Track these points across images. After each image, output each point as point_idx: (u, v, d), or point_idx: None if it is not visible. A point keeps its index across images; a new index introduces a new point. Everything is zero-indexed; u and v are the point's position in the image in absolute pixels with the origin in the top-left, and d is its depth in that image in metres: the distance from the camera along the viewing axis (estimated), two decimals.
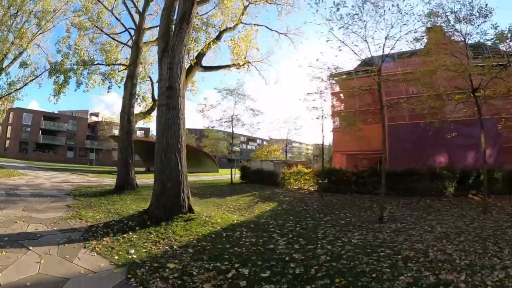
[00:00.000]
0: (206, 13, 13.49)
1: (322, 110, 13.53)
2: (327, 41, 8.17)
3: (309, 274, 3.70)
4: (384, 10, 7.57)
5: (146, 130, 53.62)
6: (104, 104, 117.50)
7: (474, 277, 3.72)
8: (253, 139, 71.97)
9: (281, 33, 14.14)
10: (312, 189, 14.62)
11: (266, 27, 14.07)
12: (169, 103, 7.31)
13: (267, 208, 9.23)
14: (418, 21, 8.31)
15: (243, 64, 14.28)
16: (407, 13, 7.65)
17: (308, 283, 3.42)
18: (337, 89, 19.89)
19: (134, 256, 4.15)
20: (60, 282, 3.27)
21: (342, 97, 21.22)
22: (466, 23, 8.74)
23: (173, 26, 8.41)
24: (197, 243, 4.72)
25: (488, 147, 16.14)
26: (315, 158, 52.55)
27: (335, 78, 12.82)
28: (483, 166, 9.45)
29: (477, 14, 8.53)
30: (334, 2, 7.54)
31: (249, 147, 73.40)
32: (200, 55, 13.39)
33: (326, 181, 14.11)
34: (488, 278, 3.73)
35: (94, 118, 54.27)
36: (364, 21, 7.61)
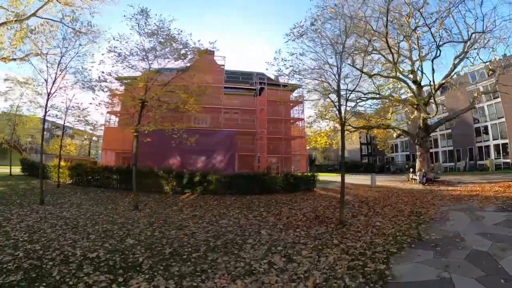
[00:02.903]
0: None
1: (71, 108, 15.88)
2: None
3: None
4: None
5: None
6: None
7: None
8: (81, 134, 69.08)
9: (78, 31, 13.10)
10: (69, 182, 17.39)
11: (62, 22, 13.46)
12: None
13: None
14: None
15: (22, 58, 13.72)
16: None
17: None
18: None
19: None
20: None
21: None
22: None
23: None
24: None
25: (221, 153, 22.98)
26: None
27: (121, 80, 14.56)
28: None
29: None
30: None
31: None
32: None
33: (75, 175, 17.19)
34: None
35: None
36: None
